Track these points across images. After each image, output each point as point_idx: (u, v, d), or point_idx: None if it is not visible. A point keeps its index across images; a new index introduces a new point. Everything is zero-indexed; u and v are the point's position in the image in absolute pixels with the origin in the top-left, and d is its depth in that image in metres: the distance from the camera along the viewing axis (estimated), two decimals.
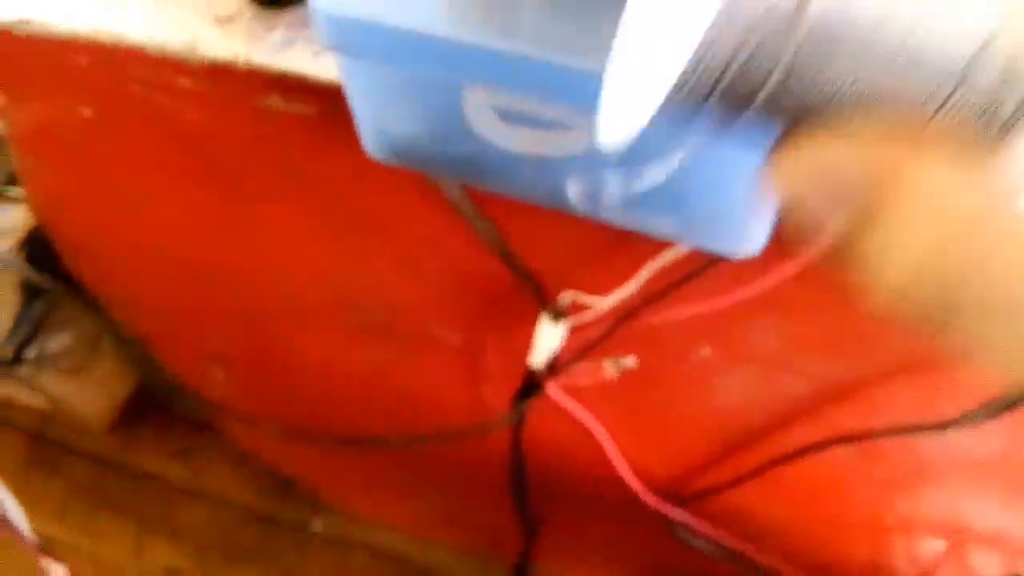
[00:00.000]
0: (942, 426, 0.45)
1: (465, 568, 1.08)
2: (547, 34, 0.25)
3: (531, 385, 0.53)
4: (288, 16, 0.41)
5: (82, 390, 1.11)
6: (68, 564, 1.07)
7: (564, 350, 0.50)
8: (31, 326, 1.04)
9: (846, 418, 0.49)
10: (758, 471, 0.57)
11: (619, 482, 0.62)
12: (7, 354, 1.02)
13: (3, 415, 1.15)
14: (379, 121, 0.32)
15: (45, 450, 1.17)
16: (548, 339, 0.48)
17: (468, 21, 0.27)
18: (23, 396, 1.09)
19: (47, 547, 0.87)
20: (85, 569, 1.10)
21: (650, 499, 0.64)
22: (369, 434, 0.69)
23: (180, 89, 0.43)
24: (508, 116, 0.27)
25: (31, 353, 1.06)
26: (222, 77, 0.41)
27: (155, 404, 1.15)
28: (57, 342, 1.07)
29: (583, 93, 0.26)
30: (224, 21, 0.41)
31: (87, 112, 0.47)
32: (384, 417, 0.68)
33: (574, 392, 0.53)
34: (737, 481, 0.60)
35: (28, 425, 1.17)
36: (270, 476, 1.13)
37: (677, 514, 0.66)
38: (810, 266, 0.37)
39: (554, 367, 0.51)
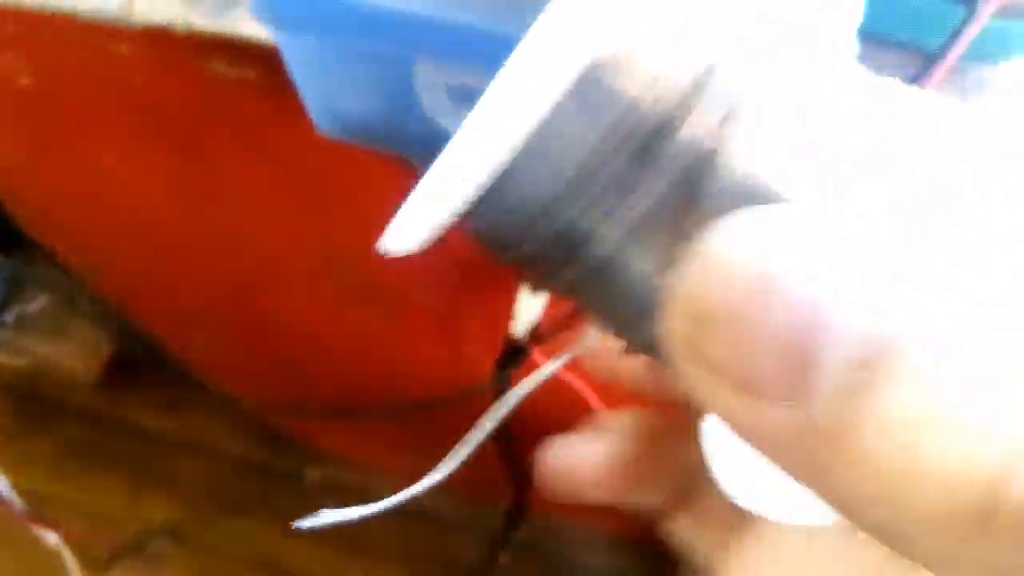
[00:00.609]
0: None
1: (460, 512, 1.08)
2: (497, 4, 0.22)
3: (515, 351, 0.51)
4: None
5: (65, 348, 1.10)
6: (64, 521, 1.08)
7: (547, 319, 0.48)
8: (5, 289, 1.01)
9: None
10: None
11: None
12: None
13: None
14: (323, 98, 0.29)
15: (34, 408, 1.16)
16: (530, 307, 0.46)
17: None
18: (5, 358, 1.08)
19: (39, 512, 0.87)
20: (82, 525, 1.10)
21: None
22: (352, 400, 0.68)
23: (119, 56, 0.39)
24: (459, 95, 0.24)
25: (9, 317, 1.04)
26: (161, 42, 0.37)
27: (140, 359, 1.13)
28: (35, 304, 1.05)
29: None
30: None
31: (25, 80, 0.44)
32: (367, 382, 0.67)
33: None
34: None
35: (15, 385, 1.16)
36: (263, 426, 1.13)
37: None
38: None
39: (537, 335, 0.49)
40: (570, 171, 0.12)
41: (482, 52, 0.23)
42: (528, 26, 0.22)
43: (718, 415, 0.11)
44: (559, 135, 0.12)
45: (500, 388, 0.57)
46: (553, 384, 0.59)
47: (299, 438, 1.10)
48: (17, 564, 1.03)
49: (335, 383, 0.70)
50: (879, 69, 0.33)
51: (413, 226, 0.13)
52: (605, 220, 0.12)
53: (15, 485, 1.12)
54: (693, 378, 0.11)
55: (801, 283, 0.10)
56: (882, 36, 0.33)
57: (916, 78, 0.30)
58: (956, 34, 0.29)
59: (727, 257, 0.10)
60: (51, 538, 0.87)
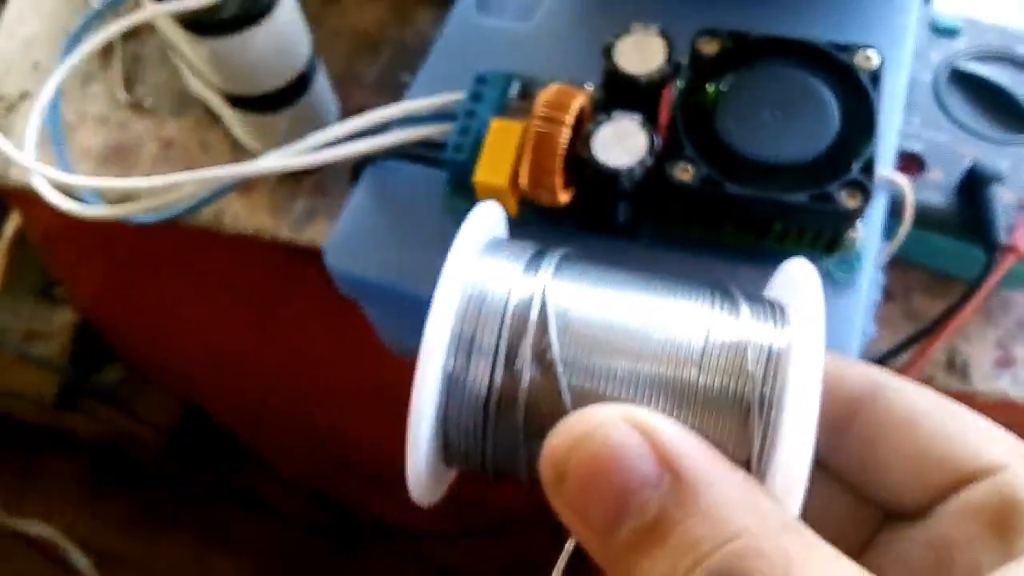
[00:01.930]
0: None
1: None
2: None
3: None
4: (308, 183, 0.42)
5: (137, 417, 1.16)
6: None
7: None
8: (85, 360, 1.09)
9: None
10: None
11: None
12: (69, 389, 1.07)
13: (67, 442, 1.20)
14: (390, 336, 0.34)
15: (108, 472, 1.23)
16: None
17: None
18: (83, 425, 1.15)
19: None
20: None
21: None
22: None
23: (211, 249, 0.44)
24: None
25: (88, 388, 1.11)
26: (246, 243, 0.42)
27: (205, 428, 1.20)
28: (111, 375, 1.12)
29: None
30: (247, 190, 0.42)
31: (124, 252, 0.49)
32: None
33: None
34: None
35: (91, 449, 1.23)
36: (326, 494, 1.18)
37: None
38: None
39: None
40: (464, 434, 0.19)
41: None
42: None
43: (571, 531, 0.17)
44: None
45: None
46: None
47: (359, 507, 1.15)
48: None
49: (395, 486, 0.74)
50: (908, 288, 0.36)
51: (415, 481, 0.19)
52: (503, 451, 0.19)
53: (90, 544, 1.19)
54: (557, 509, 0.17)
55: (621, 463, 0.16)
56: (914, 262, 0.36)
57: (951, 310, 0.32)
58: (980, 276, 0.31)
59: (577, 434, 0.17)
60: None
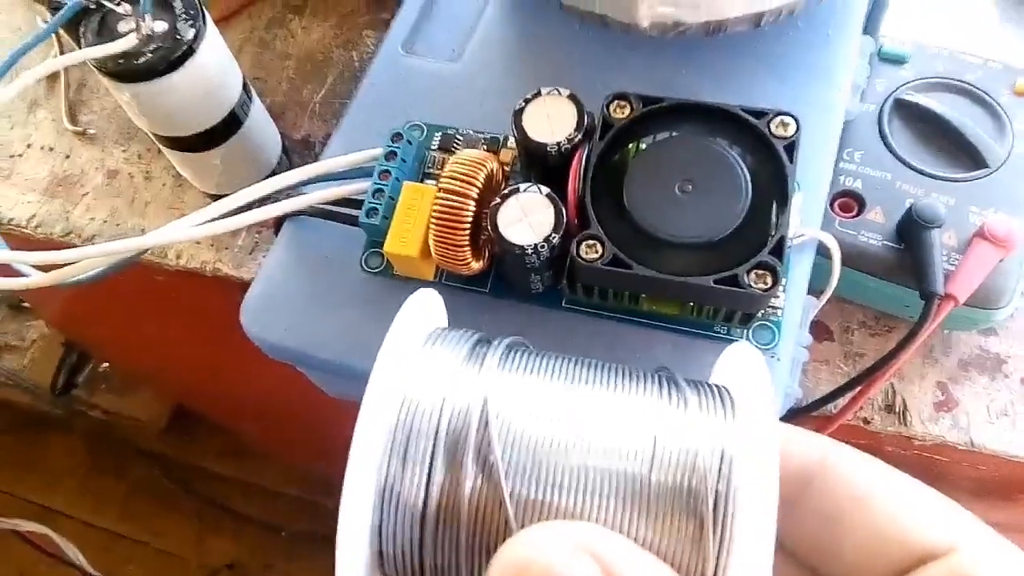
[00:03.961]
0: None
1: None
2: None
3: None
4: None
5: (133, 401, 1.17)
6: (133, 558, 1.17)
7: None
8: (77, 355, 1.09)
9: None
10: None
11: None
12: (59, 385, 1.08)
13: (65, 425, 1.22)
14: (325, 386, 0.33)
15: (106, 455, 1.25)
16: None
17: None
18: (79, 413, 1.16)
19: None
20: (151, 564, 1.19)
21: None
22: None
23: (158, 281, 0.44)
24: None
25: (81, 376, 1.12)
26: (194, 278, 0.42)
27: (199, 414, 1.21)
28: (102, 365, 1.13)
29: None
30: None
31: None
32: None
33: None
34: None
35: (88, 434, 1.25)
36: (318, 471, 1.19)
37: None
38: None
39: None
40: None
41: None
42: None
43: None
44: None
45: None
46: None
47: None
48: None
49: None
50: (847, 326, 0.35)
51: None
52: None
53: (91, 524, 1.21)
54: None
55: None
56: (863, 303, 0.35)
57: (888, 356, 0.31)
58: (918, 324, 0.31)
59: (520, 563, 0.16)
60: None
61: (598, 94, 0.27)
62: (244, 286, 0.41)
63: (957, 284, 0.31)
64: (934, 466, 0.36)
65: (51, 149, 0.45)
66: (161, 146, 0.38)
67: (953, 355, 0.34)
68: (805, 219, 0.27)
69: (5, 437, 1.25)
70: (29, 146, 0.46)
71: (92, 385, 1.14)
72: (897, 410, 0.33)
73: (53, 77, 0.47)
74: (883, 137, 0.35)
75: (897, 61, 0.36)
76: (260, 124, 0.39)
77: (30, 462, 1.25)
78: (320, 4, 0.47)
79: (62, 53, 0.47)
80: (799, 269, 0.27)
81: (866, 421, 0.33)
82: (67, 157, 0.45)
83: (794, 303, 0.26)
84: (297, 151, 0.43)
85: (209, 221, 0.28)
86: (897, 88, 0.36)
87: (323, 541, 1.19)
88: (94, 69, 0.33)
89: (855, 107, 0.33)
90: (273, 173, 0.41)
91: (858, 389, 0.32)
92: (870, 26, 0.37)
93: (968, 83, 0.35)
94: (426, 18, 0.35)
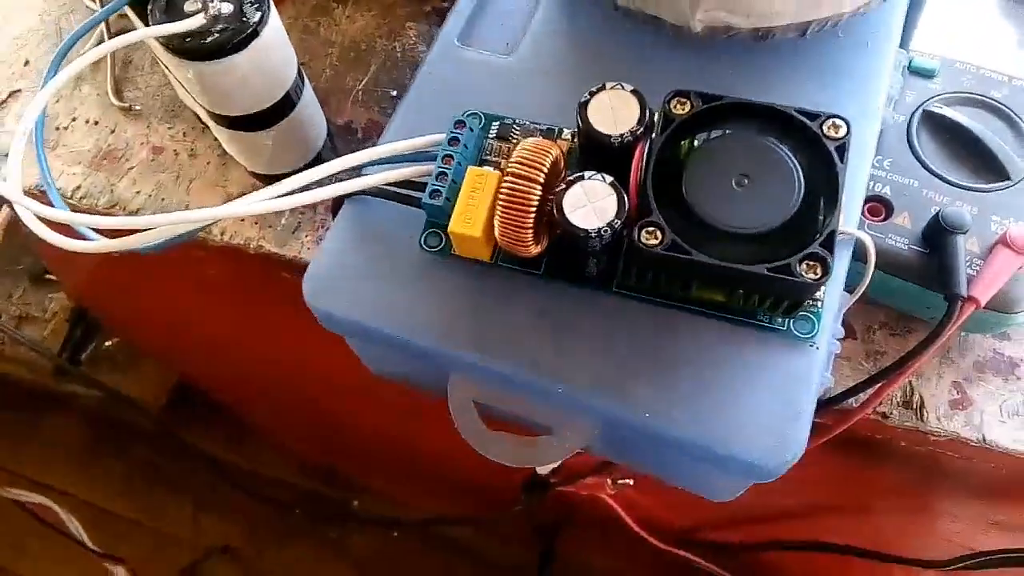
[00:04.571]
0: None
1: (499, 552, 1.15)
2: (533, 356, 0.28)
3: (541, 484, 0.56)
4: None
5: (133, 379, 1.18)
6: (130, 538, 1.17)
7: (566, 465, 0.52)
8: (83, 330, 1.10)
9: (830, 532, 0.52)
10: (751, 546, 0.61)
11: (630, 529, 0.66)
12: (65, 358, 1.09)
13: (66, 403, 1.22)
14: (371, 362, 0.35)
15: (106, 434, 1.25)
16: None
17: (452, 336, 0.29)
18: (81, 390, 1.16)
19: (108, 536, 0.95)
20: (146, 543, 1.19)
21: (659, 542, 0.68)
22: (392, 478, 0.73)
23: (194, 256, 0.45)
24: (488, 411, 0.29)
25: (83, 354, 1.13)
26: (236, 254, 0.43)
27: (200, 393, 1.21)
28: (108, 341, 1.13)
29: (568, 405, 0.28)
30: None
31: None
32: (407, 467, 0.73)
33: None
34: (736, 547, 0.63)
35: (88, 413, 1.25)
36: (315, 457, 1.20)
37: (682, 552, 0.70)
38: None
39: (558, 471, 0.55)
40: None
41: (511, 383, 0.28)
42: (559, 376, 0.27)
43: None
44: None
45: (527, 503, 0.63)
46: (596, 500, 0.64)
47: (347, 471, 1.17)
48: None
49: (378, 463, 0.76)
50: (870, 326, 0.37)
51: None
52: None
53: (89, 503, 1.22)
54: None
55: None
56: (886, 304, 0.37)
57: (909, 355, 0.33)
58: (940, 324, 0.32)
59: None
60: (120, 573, 0.95)
61: (647, 92, 0.28)
62: (286, 264, 0.42)
63: (979, 288, 0.32)
64: (947, 463, 0.38)
65: (96, 123, 0.47)
66: (213, 124, 0.39)
67: (969, 357, 0.36)
68: (844, 219, 0.29)
69: (4, 414, 1.26)
70: (75, 119, 0.47)
71: (95, 364, 1.14)
72: (914, 406, 0.35)
73: None
74: (911, 146, 0.36)
75: (926, 75, 0.38)
76: (310, 108, 0.40)
77: (29, 439, 1.25)
78: None
79: (110, 34, 0.48)
80: (839, 265, 0.29)
81: (884, 416, 0.35)
82: (112, 132, 0.46)
83: (833, 296, 0.28)
84: (340, 136, 0.44)
85: (280, 196, 0.29)
86: (926, 100, 0.37)
87: (319, 526, 1.20)
88: (159, 47, 0.35)
89: (888, 116, 0.35)
90: (318, 156, 0.42)
91: (879, 384, 0.34)
92: (903, 40, 0.39)
93: (993, 99, 0.37)
94: (481, 12, 0.36)
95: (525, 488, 0.57)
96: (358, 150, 0.31)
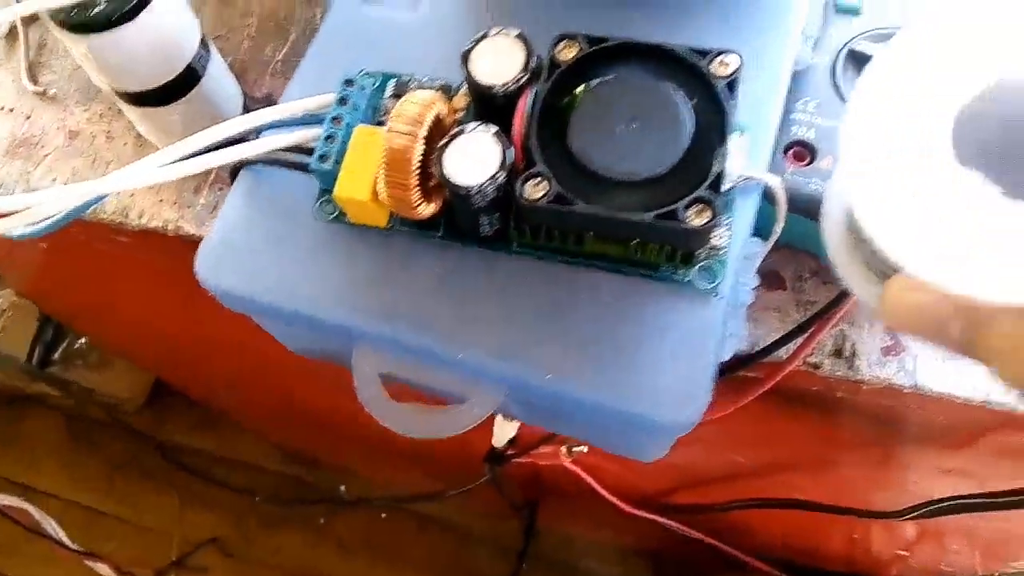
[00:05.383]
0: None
1: (481, 526, 1.15)
2: (433, 324, 0.27)
3: (495, 456, 0.55)
4: (212, 175, 0.42)
5: (110, 377, 1.17)
6: (115, 534, 1.17)
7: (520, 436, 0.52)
8: (53, 329, 1.09)
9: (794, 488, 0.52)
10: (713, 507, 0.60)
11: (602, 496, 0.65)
12: (34, 361, 1.08)
13: (43, 402, 1.22)
14: (283, 339, 0.34)
15: (85, 432, 1.25)
16: (505, 431, 0.51)
17: (351, 308, 0.28)
18: (56, 390, 1.16)
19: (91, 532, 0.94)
20: (133, 540, 1.19)
21: (630, 508, 0.68)
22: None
23: (124, 243, 0.44)
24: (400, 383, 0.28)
25: (57, 354, 1.12)
26: (157, 238, 0.42)
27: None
28: (80, 340, 1.12)
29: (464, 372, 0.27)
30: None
31: (43, 245, 0.49)
32: (382, 449, 0.72)
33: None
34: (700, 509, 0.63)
35: (65, 411, 1.24)
36: (296, 445, 1.20)
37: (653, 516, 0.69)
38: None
39: (515, 443, 0.54)
40: None
41: (413, 353, 0.27)
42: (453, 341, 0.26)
43: None
44: None
45: (492, 475, 0.62)
46: (563, 469, 0.64)
47: (328, 457, 1.17)
48: None
49: (344, 447, 0.75)
50: (799, 275, 0.36)
51: None
52: None
53: (72, 501, 1.22)
54: None
55: None
56: (815, 252, 0.36)
57: (836, 300, 0.32)
58: None
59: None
60: (104, 570, 0.95)
61: (550, 39, 0.27)
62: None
63: None
64: (885, 412, 0.37)
65: (11, 110, 0.45)
66: (121, 103, 0.38)
67: None
68: (752, 162, 0.28)
69: None
70: None
71: (69, 362, 1.14)
72: (846, 355, 0.34)
73: (12, 37, 0.47)
74: (836, 88, 0.35)
75: (851, 12, 0.36)
76: (219, 80, 0.39)
77: (8, 440, 1.24)
78: None
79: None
80: (743, 211, 0.27)
81: (815, 366, 0.34)
82: (28, 118, 0.45)
83: (737, 243, 0.27)
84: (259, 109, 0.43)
85: (161, 167, 0.28)
86: (851, 39, 0.36)
87: (306, 512, 1.20)
88: (51, 22, 0.33)
89: (807, 56, 0.33)
90: None
91: (807, 334, 0.33)
92: None
93: None
94: None
95: (486, 460, 0.57)
96: None
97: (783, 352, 0.34)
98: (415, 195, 0.26)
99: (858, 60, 0.35)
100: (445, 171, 0.24)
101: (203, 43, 0.37)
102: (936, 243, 0.17)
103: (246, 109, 0.42)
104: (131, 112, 0.39)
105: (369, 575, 1.16)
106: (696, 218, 0.23)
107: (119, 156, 0.43)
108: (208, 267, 0.29)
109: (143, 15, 0.33)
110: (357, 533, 1.18)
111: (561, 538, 1.12)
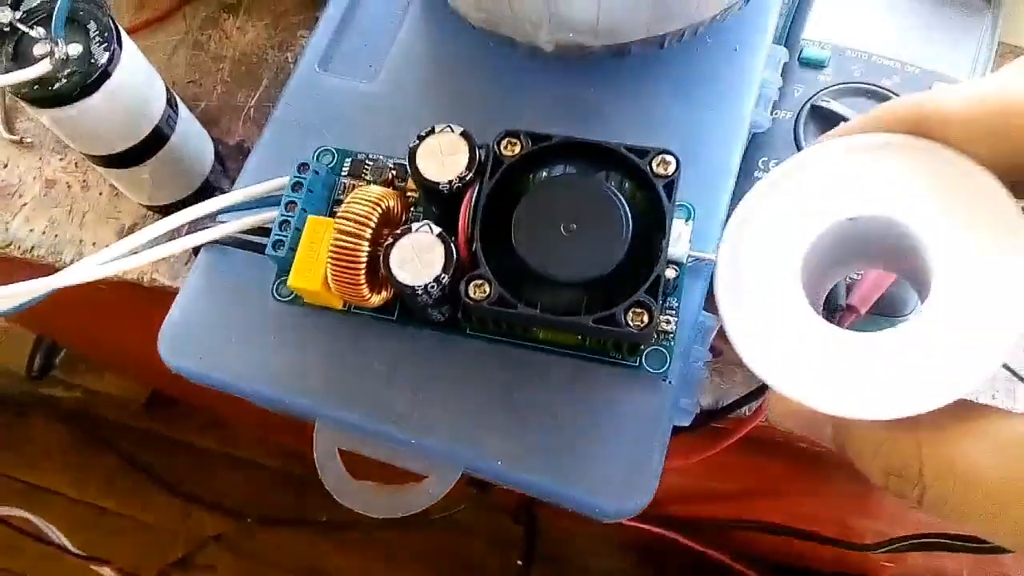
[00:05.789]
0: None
1: (480, 522, 1.16)
2: (388, 407, 0.27)
3: None
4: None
5: (112, 381, 1.19)
6: (120, 533, 1.19)
7: None
8: (52, 338, 1.10)
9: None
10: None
11: None
12: (36, 364, 1.09)
13: (45, 406, 1.23)
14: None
15: (88, 433, 1.27)
16: None
17: (307, 389, 0.28)
18: (60, 392, 1.17)
19: (92, 554, 0.96)
20: (138, 539, 1.21)
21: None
22: None
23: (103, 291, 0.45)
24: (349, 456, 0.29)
25: (57, 358, 1.13)
26: (134, 289, 0.42)
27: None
28: None
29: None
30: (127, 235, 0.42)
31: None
32: None
33: None
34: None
35: (69, 413, 1.26)
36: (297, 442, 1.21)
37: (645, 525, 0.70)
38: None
39: None
40: None
41: (370, 433, 0.28)
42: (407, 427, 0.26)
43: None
44: None
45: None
46: None
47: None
48: None
49: None
50: None
51: None
52: None
53: (76, 501, 1.24)
54: None
55: None
56: None
57: None
58: None
59: None
60: (107, 573, 0.97)
61: (509, 113, 0.27)
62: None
63: (859, 296, 0.31)
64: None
65: None
66: (90, 162, 0.39)
67: None
68: (700, 242, 0.28)
69: None
70: None
71: (70, 366, 1.15)
72: None
73: None
74: (797, 144, 0.35)
75: (817, 66, 0.36)
76: (189, 136, 0.39)
77: (12, 444, 1.26)
78: (254, 3, 0.47)
79: None
80: (692, 292, 0.28)
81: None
82: (5, 167, 0.45)
83: (685, 327, 0.27)
84: (232, 157, 0.43)
85: (119, 258, 0.29)
86: (815, 94, 0.36)
87: (309, 510, 1.22)
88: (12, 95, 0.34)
89: (764, 120, 0.33)
90: (206, 181, 0.41)
91: (764, 397, 0.33)
92: (791, 34, 0.37)
93: (884, 88, 0.35)
94: (342, 35, 0.35)
95: None
96: None
97: (745, 410, 0.35)
98: (364, 290, 0.26)
99: (821, 116, 0.35)
100: (392, 270, 0.25)
101: (170, 103, 0.38)
102: (789, 362, 0.19)
103: (218, 158, 0.42)
104: (102, 170, 0.39)
105: (372, 570, 1.18)
106: (635, 320, 0.23)
107: (94, 206, 0.43)
108: (170, 348, 0.30)
109: (104, 87, 0.33)
110: (359, 530, 1.20)
111: (562, 537, 1.13)
